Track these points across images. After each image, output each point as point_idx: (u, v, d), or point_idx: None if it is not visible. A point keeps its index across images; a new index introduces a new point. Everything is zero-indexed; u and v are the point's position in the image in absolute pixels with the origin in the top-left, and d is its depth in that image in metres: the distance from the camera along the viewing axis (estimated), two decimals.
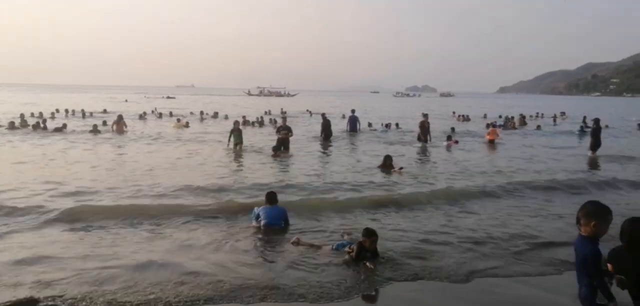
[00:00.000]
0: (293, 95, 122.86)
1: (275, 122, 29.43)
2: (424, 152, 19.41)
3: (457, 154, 18.60)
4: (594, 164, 16.75)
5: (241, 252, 7.17)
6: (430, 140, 21.50)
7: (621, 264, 3.72)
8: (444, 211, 9.78)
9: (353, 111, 28.33)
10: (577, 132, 28.91)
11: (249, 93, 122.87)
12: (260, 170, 14.20)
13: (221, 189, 11.25)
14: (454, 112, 45.56)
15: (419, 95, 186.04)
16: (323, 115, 25.85)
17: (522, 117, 36.38)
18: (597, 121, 19.10)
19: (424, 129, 21.78)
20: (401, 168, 14.17)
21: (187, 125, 28.23)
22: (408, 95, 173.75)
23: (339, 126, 27.41)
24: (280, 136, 17.98)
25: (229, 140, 18.21)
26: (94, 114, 35.41)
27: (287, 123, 19.39)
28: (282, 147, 17.46)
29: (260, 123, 30.44)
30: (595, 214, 3.57)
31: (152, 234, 7.96)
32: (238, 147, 17.87)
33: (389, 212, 9.70)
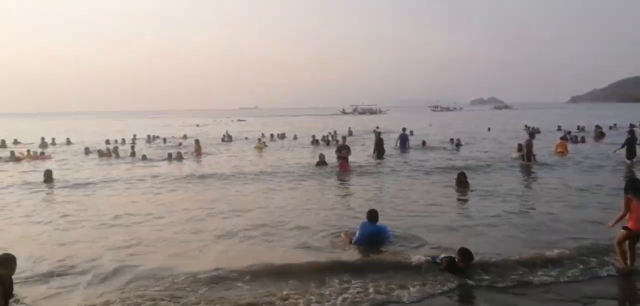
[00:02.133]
0: (385, 112, 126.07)
1: (337, 141, 29.78)
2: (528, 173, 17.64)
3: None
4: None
5: None
6: (534, 160, 19.16)
7: None
8: None
9: (404, 129, 28.87)
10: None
11: (344, 112, 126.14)
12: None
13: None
14: (526, 126, 44.08)
15: (461, 108, 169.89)
16: (376, 132, 25.90)
17: (598, 129, 34.66)
18: (632, 131, 19.92)
19: (529, 149, 19.28)
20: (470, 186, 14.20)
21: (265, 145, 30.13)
22: (448, 109, 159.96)
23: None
24: (338, 155, 19.10)
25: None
26: (168, 139, 37.39)
27: (347, 143, 20.75)
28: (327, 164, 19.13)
29: (327, 142, 31.31)
30: None
31: None
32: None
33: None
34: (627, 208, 7.14)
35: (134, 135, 39.02)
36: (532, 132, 20.93)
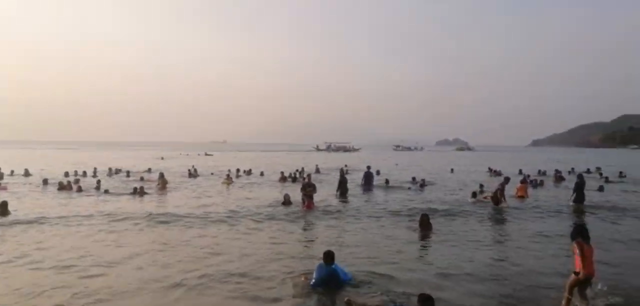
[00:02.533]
0: (358, 150, 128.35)
1: (304, 178, 29.92)
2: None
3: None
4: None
5: None
6: (505, 202, 19.31)
7: None
8: None
9: (368, 167, 29.81)
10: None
11: (318, 149, 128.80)
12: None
13: None
14: (489, 168, 44.95)
15: (422, 148, 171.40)
16: (341, 170, 26.77)
17: (558, 173, 35.63)
18: (580, 176, 20.91)
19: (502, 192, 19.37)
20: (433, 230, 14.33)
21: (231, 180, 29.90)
22: (409, 148, 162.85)
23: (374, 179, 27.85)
24: (303, 193, 19.12)
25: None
26: (132, 173, 36.50)
27: (312, 181, 20.86)
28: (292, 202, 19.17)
29: (294, 179, 31.30)
30: None
31: None
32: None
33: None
34: (582, 253, 7.34)
35: (95, 168, 38.03)
36: (507, 177, 21.23)
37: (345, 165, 45.01)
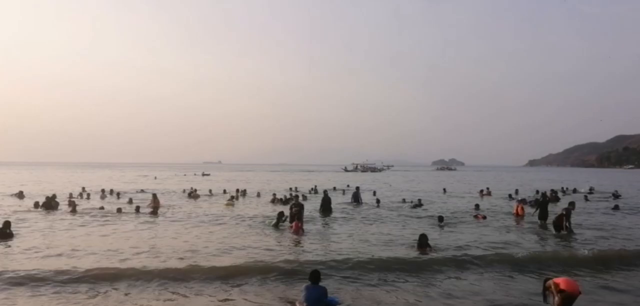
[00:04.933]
0: (382, 170, 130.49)
1: (297, 197, 29.60)
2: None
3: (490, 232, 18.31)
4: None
5: None
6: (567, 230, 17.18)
7: None
8: None
9: (358, 188, 31.60)
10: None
11: (346, 170, 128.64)
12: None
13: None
14: (481, 191, 44.19)
15: (387, 168, 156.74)
16: (325, 191, 27.57)
17: (554, 193, 35.59)
18: (544, 195, 23.65)
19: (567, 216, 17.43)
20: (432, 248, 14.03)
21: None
22: (378, 169, 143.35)
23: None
24: (292, 211, 18.71)
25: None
26: (122, 193, 36.06)
27: (300, 201, 20.71)
28: (285, 219, 18.75)
29: (286, 200, 30.85)
30: None
31: None
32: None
33: None
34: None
35: (83, 188, 37.41)
36: (572, 202, 20.63)
37: (347, 185, 44.95)
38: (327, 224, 20.17)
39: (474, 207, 26.57)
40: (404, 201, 31.15)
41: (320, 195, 28.03)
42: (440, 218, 20.28)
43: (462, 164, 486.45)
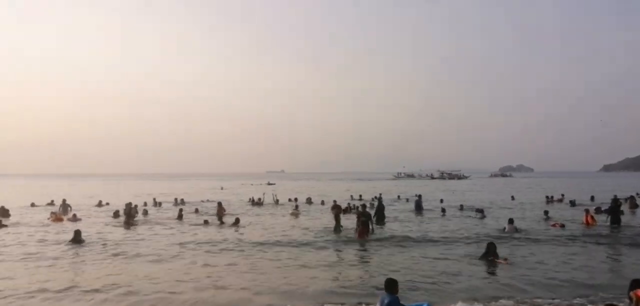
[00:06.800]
0: (467, 177, 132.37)
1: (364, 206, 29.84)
2: None
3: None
4: None
5: None
6: None
7: None
8: None
9: (419, 196, 32.68)
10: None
11: (432, 177, 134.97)
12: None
13: None
14: (546, 197, 41.87)
15: (431, 176, 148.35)
16: (379, 198, 28.84)
17: (633, 199, 33.60)
18: (616, 200, 22.92)
19: None
20: (505, 259, 13.74)
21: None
22: (412, 176, 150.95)
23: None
24: (360, 220, 18.89)
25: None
26: (192, 204, 37.93)
27: (368, 210, 20.75)
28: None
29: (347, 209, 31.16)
30: None
31: None
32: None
33: None
34: None
35: (145, 203, 39.06)
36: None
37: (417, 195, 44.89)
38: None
39: (543, 214, 25.79)
40: (461, 208, 30.85)
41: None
42: (510, 221, 20.37)
43: (531, 170, 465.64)
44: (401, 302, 8.39)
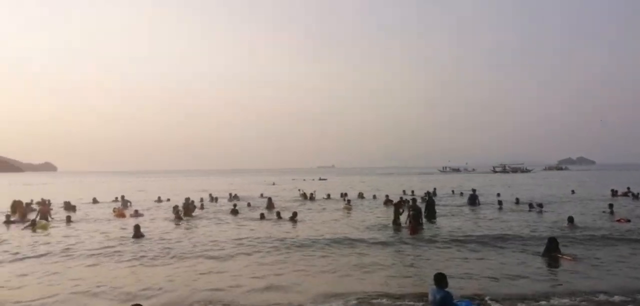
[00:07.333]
0: (530, 171, 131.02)
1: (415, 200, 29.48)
2: None
3: None
4: None
5: None
6: None
7: None
8: None
9: (474, 190, 32.69)
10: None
11: (494, 171, 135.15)
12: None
13: None
14: (612, 191, 39.31)
15: (473, 170, 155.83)
16: (429, 193, 30.00)
17: None
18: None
19: None
20: (572, 256, 13.11)
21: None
22: (458, 170, 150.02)
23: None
24: (410, 214, 19.27)
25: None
26: (244, 198, 38.37)
27: (418, 205, 21.20)
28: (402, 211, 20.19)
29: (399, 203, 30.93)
30: None
31: None
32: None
33: None
34: None
35: (201, 198, 39.23)
36: None
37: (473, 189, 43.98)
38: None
39: (607, 207, 24.58)
40: (517, 202, 30.12)
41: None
42: (570, 219, 19.42)
43: (593, 162, 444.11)
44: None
